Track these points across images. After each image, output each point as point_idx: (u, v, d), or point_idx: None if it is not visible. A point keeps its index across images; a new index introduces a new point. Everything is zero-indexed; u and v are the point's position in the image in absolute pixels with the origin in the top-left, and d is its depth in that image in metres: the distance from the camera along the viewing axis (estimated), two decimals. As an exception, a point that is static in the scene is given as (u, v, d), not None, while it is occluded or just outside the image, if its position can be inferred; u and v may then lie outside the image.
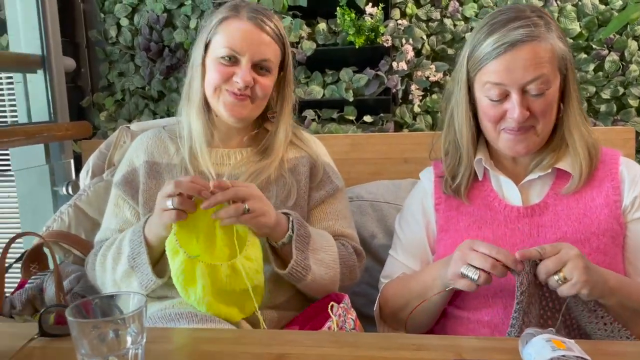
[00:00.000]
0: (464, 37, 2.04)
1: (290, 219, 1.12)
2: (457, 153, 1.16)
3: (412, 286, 1.13)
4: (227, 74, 1.17)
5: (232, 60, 1.17)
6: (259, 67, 1.19)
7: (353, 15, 1.96)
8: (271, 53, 1.20)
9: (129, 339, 0.72)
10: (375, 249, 1.57)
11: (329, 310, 1.08)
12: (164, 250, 1.12)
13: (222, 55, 1.17)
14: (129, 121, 2.20)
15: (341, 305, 1.11)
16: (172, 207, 1.01)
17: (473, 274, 0.94)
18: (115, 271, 1.14)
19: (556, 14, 2.02)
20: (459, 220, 1.15)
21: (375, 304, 1.21)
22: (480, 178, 1.17)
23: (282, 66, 1.25)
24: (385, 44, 1.99)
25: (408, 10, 2.06)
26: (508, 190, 1.14)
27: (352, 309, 1.15)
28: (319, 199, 1.27)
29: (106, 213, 1.30)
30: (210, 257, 1.04)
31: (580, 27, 2.02)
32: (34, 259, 1.42)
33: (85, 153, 1.89)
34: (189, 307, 1.06)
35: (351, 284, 1.25)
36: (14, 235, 1.30)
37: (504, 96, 1.06)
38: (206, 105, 1.24)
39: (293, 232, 1.10)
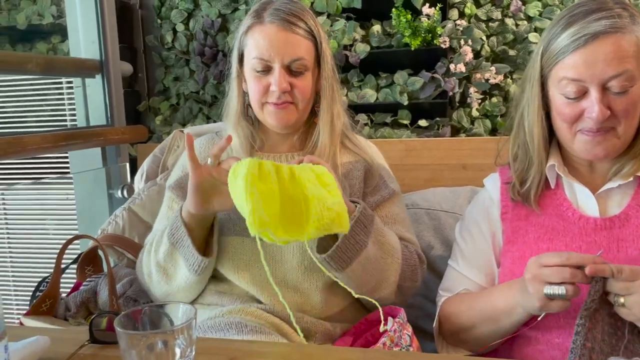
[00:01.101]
0: (527, 37, 1.92)
1: (358, 207, 1.07)
2: (527, 157, 1.08)
3: (480, 308, 1.05)
4: (264, 86, 1.15)
5: (265, 70, 1.15)
6: (293, 69, 1.15)
7: (409, 16, 1.89)
8: (303, 50, 1.15)
9: (177, 351, 0.69)
10: (432, 260, 1.49)
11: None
12: (205, 234, 1.10)
13: (254, 68, 1.15)
14: (184, 125, 2.22)
15: (397, 319, 1.04)
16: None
17: (559, 291, 0.86)
18: (158, 253, 1.13)
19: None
20: (527, 231, 1.07)
21: (435, 320, 1.14)
22: (552, 186, 1.08)
23: (319, 61, 1.20)
24: (442, 46, 1.91)
25: (467, 10, 1.97)
26: (583, 200, 1.05)
27: (408, 324, 1.08)
28: (374, 203, 1.22)
29: (159, 215, 1.30)
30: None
31: (657, 24, 1.87)
32: (89, 262, 1.44)
33: (141, 156, 1.92)
34: (238, 317, 1.03)
35: (411, 285, 1.18)
36: (71, 237, 1.32)
37: (582, 94, 0.97)
38: (248, 115, 1.23)
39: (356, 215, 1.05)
